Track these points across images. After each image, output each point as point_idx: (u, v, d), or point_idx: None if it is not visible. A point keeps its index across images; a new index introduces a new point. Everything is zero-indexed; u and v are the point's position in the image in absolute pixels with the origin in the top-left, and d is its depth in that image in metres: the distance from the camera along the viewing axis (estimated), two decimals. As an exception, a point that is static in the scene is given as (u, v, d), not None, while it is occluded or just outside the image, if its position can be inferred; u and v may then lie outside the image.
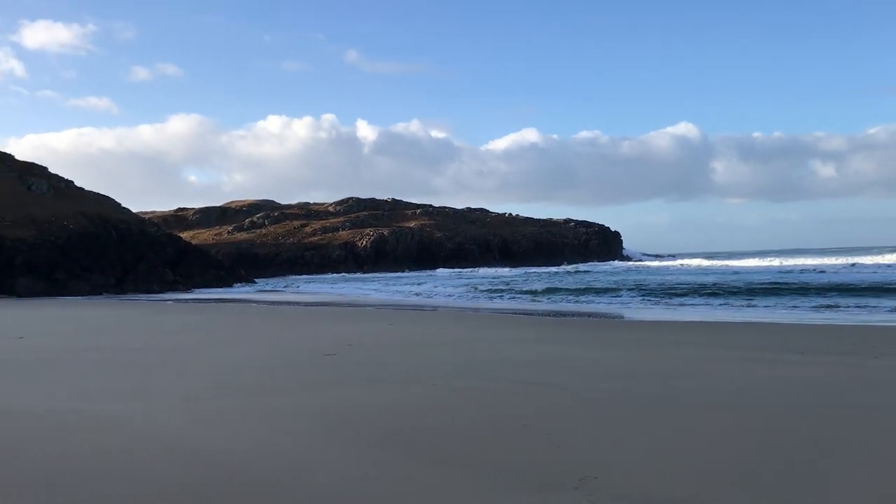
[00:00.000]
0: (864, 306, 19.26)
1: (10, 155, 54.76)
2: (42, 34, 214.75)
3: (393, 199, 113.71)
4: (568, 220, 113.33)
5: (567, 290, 31.39)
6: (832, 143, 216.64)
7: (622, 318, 19.11)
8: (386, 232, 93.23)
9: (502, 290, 32.80)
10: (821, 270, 38.51)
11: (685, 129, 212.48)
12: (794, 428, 5.36)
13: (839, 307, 19.44)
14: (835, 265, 44.43)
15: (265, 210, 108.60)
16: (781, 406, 6.16)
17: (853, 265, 43.09)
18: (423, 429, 5.46)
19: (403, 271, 79.49)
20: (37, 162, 54.59)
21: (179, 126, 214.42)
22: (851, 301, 20.54)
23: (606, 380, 7.64)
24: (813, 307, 19.80)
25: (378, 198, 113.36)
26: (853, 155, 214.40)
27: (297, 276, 76.03)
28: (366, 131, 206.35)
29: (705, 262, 63.02)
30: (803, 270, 39.28)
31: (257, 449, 4.94)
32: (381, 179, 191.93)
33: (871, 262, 46.20)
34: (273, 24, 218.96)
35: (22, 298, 36.18)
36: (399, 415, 5.97)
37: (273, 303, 30.42)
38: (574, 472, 4.31)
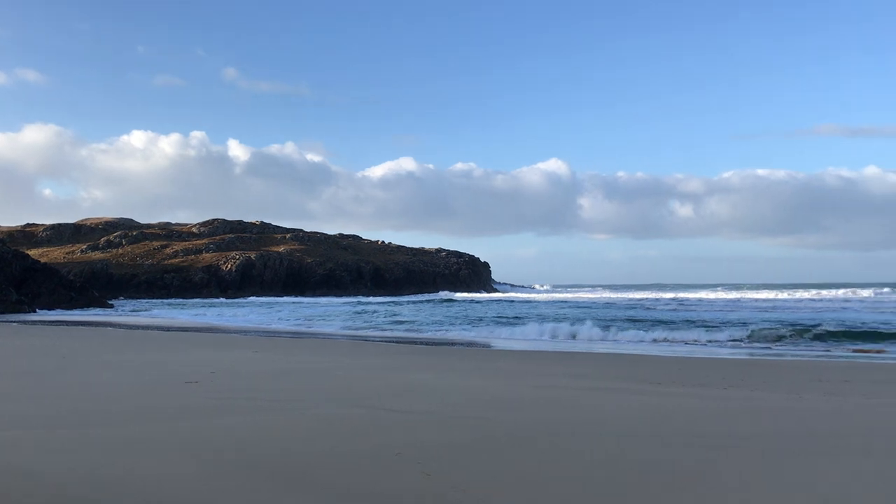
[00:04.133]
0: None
1: None
2: None
3: (262, 222, 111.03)
4: (440, 250, 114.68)
5: (434, 319, 31.74)
6: (690, 185, 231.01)
7: (489, 346, 19.50)
8: (253, 256, 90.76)
9: (370, 318, 32.68)
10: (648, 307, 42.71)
11: (556, 165, 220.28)
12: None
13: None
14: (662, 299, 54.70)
15: (123, 229, 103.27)
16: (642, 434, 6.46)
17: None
18: (290, 455, 5.31)
19: (271, 297, 77.67)
20: None
21: (35, 136, 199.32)
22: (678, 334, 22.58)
23: (476, 408, 7.74)
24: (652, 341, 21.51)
25: (246, 220, 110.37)
26: (709, 197, 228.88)
27: (157, 300, 72.62)
28: (238, 151, 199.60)
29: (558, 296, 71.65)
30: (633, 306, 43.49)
31: (121, 478, 4.64)
32: (252, 201, 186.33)
33: (695, 298, 57.22)
34: (150, 36, 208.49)
35: None
36: (265, 442, 5.78)
37: (128, 326, 28.85)
38: (448, 502, 4.32)
